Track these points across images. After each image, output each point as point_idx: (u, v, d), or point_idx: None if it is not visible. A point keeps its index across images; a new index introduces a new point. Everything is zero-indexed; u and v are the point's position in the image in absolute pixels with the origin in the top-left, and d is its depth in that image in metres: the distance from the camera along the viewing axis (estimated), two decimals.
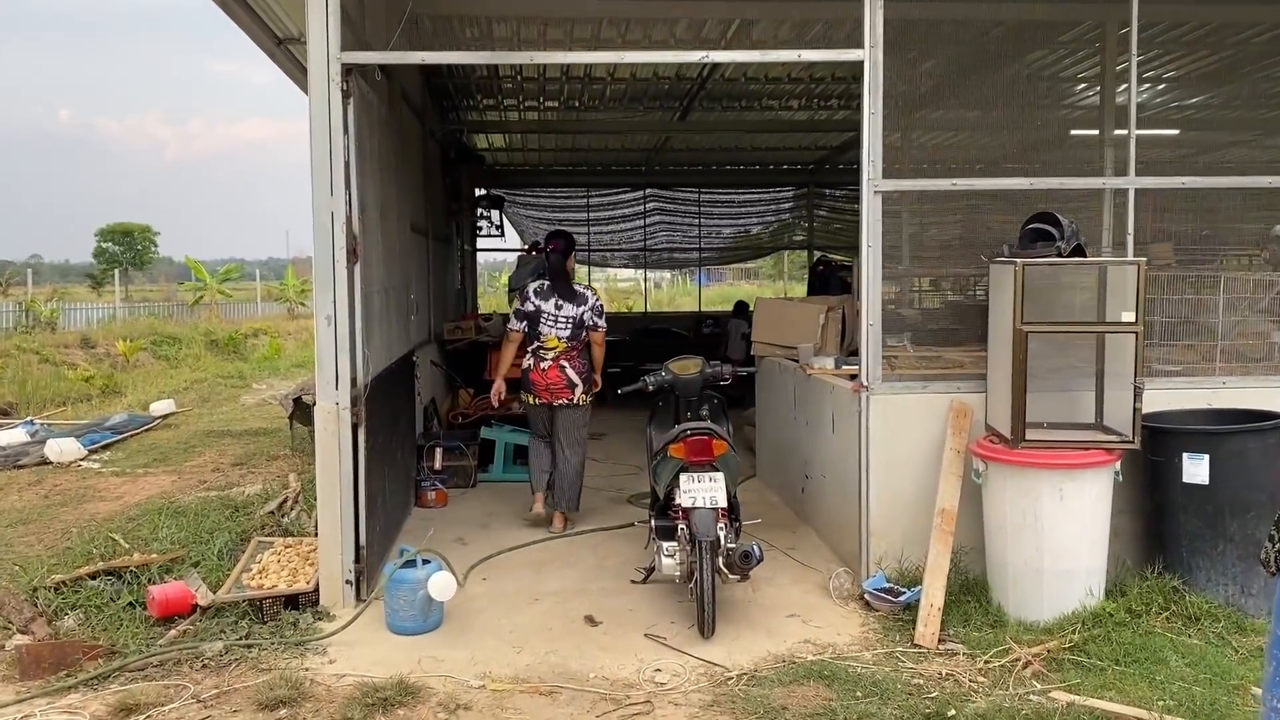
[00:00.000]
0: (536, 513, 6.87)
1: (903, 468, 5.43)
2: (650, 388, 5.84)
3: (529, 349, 6.87)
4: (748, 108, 12.08)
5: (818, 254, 15.52)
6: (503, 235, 14.59)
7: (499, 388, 7.22)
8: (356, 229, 5.25)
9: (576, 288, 6.92)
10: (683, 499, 4.86)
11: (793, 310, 7.70)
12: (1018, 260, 4.86)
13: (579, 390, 6.81)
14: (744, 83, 10.76)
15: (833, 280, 8.85)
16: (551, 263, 6.95)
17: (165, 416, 13.25)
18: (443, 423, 9.20)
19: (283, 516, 6.94)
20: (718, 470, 4.98)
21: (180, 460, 10.59)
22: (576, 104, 11.89)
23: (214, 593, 5.23)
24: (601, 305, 6.96)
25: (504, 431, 8.43)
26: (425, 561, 5.12)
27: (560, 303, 6.78)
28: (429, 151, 9.88)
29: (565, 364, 6.77)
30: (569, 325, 6.76)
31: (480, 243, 16.26)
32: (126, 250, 45.58)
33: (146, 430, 12.43)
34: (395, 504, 6.52)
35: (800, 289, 25.66)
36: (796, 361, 7.20)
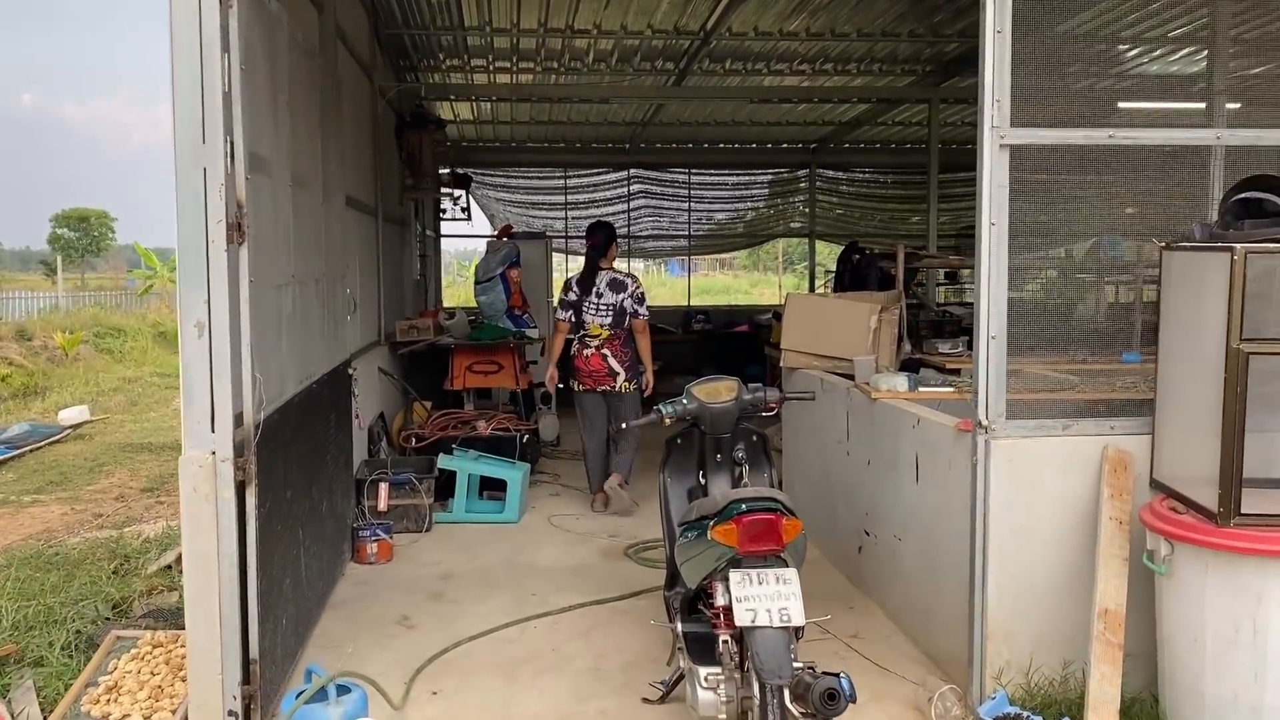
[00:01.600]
0: (598, 510, 7.04)
1: (1035, 541, 3.81)
2: (667, 420, 4.18)
3: (575, 337, 6.96)
4: (753, 71, 10.43)
5: (843, 241, 13.79)
6: (469, 219, 12.85)
7: (552, 373, 7.29)
8: (243, 194, 3.54)
9: (618, 276, 6.98)
10: (737, 610, 3.18)
11: (834, 310, 6.07)
12: (1236, 246, 3.23)
13: (620, 379, 6.89)
14: (753, 39, 9.11)
15: (871, 272, 7.25)
16: (592, 253, 7.07)
17: (76, 426, 11.46)
18: (394, 444, 7.51)
19: (180, 574, 5.24)
20: (787, 565, 3.31)
21: (81, 484, 8.86)
22: (555, 66, 10.19)
23: None
24: (643, 292, 7.00)
25: (467, 459, 6.75)
26: (343, 689, 3.45)
27: (602, 290, 6.88)
28: (379, 116, 8.17)
29: (607, 352, 6.87)
30: (610, 313, 6.86)
31: (445, 228, 14.55)
32: (83, 237, 43.40)
33: (51, 443, 10.64)
34: (316, 576, 4.83)
35: (789, 282, 24.16)
36: (842, 376, 5.59)
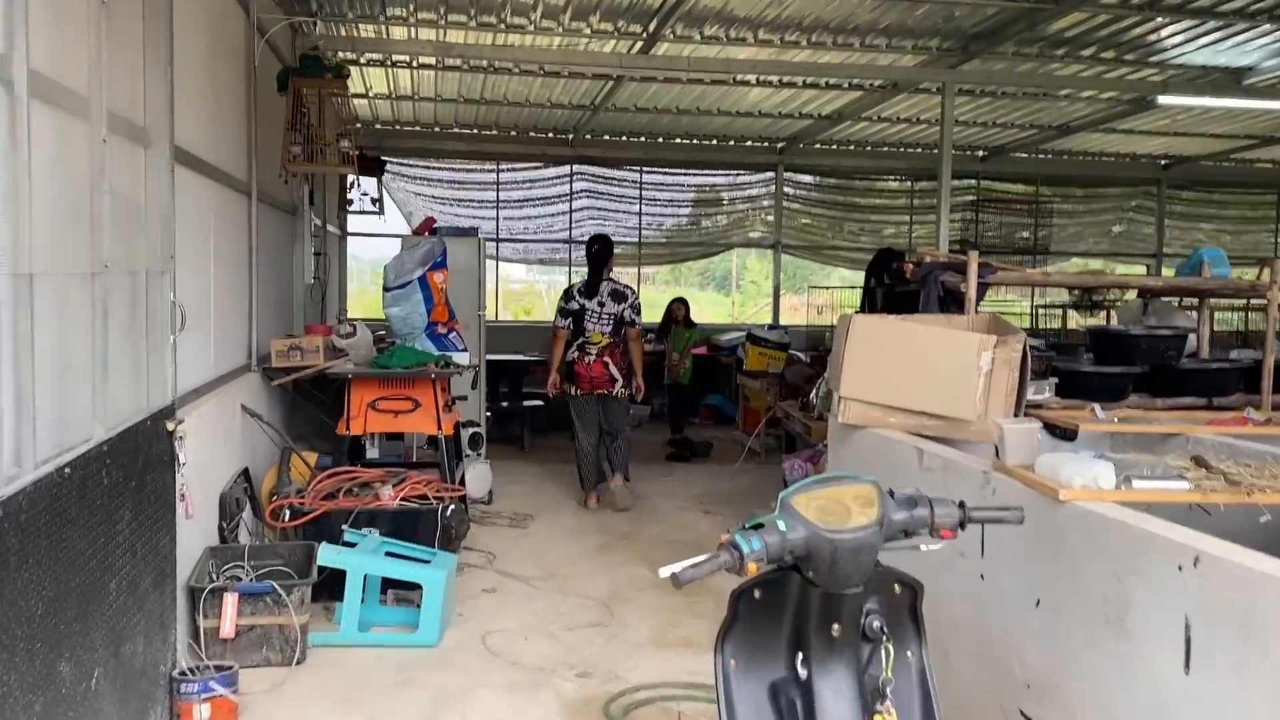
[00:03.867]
0: (592, 507, 7.24)
1: None
2: (751, 567, 2.15)
3: (575, 344, 7.21)
4: (736, 40, 8.47)
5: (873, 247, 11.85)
6: (381, 214, 10.63)
7: (554, 379, 7.48)
8: None
9: (618, 286, 7.30)
10: None
11: (925, 342, 4.08)
12: None
13: (619, 385, 7.24)
14: None
15: (931, 288, 5.30)
16: (594, 263, 7.34)
17: None
18: (263, 516, 5.29)
19: None
20: None
21: None
22: (494, 22, 8.09)
23: None
24: (639, 303, 7.36)
25: (362, 552, 4.59)
26: None
27: (604, 300, 7.18)
28: (257, 63, 5.98)
29: (608, 360, 7.18)
30: (611, 322, 7.17)
31: (353, 223, 12.27)
32: None
33: None
34: None
35: (704, 298, 22.23)
36: (931, 439, 3.62)
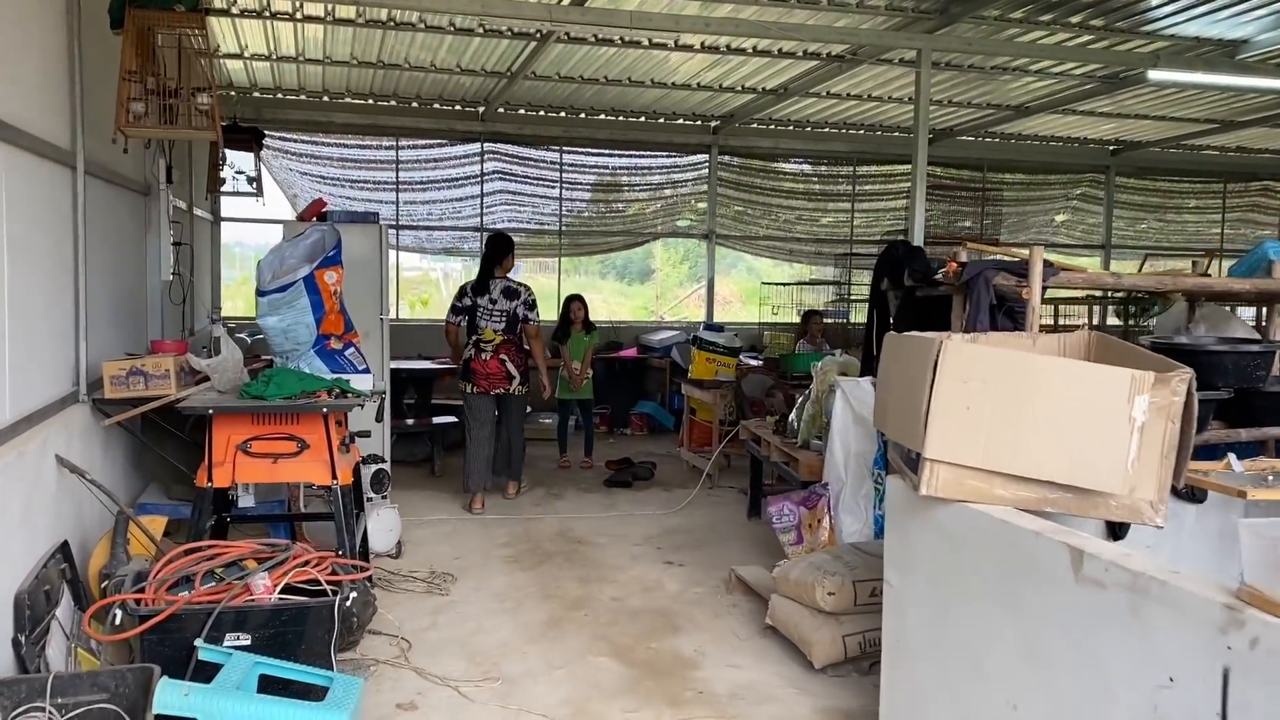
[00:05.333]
0: (477, 511, 7.05)
1: None
2: None
3: (470, 342, 7.20)
4: None
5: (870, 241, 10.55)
6: (260, 195, 9.01)
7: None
8: None
9: (511, 284, 7.25)
10: None
11: (1057, 380, 2.83)
12: None
13: (515, 382, 7.17)
14: None
15: (981, 291, 4.06)
16: (485, 261, 7.39)
17: None
18: (84, 599, 3.79)
19: None
20: None
21: None
22: None
23: None
24: (533, 299, 7.29)
25: (227, 688, 3.13)
26: None
27: (496, 297, 7.15)
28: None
29: (505, 357, 7.12)
30: (504, 319, 7.11)
31: (226, 206, 10.59)
32: None
33: None
34: None
35: (606, 288, 20.76)
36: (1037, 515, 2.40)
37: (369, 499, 5.62)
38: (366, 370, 5.01)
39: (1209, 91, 9.93)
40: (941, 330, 4.84)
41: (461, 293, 7.30)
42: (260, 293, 4.71)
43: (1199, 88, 9.48)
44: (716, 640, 4.60)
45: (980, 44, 8.09)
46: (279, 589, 3.71)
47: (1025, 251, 4.29)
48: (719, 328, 11.47)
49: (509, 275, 7.35)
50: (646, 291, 22.63)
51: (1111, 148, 13.23)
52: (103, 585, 3.99)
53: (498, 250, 7.35)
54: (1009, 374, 2.84)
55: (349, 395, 4.61)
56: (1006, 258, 4.31)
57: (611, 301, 18.16)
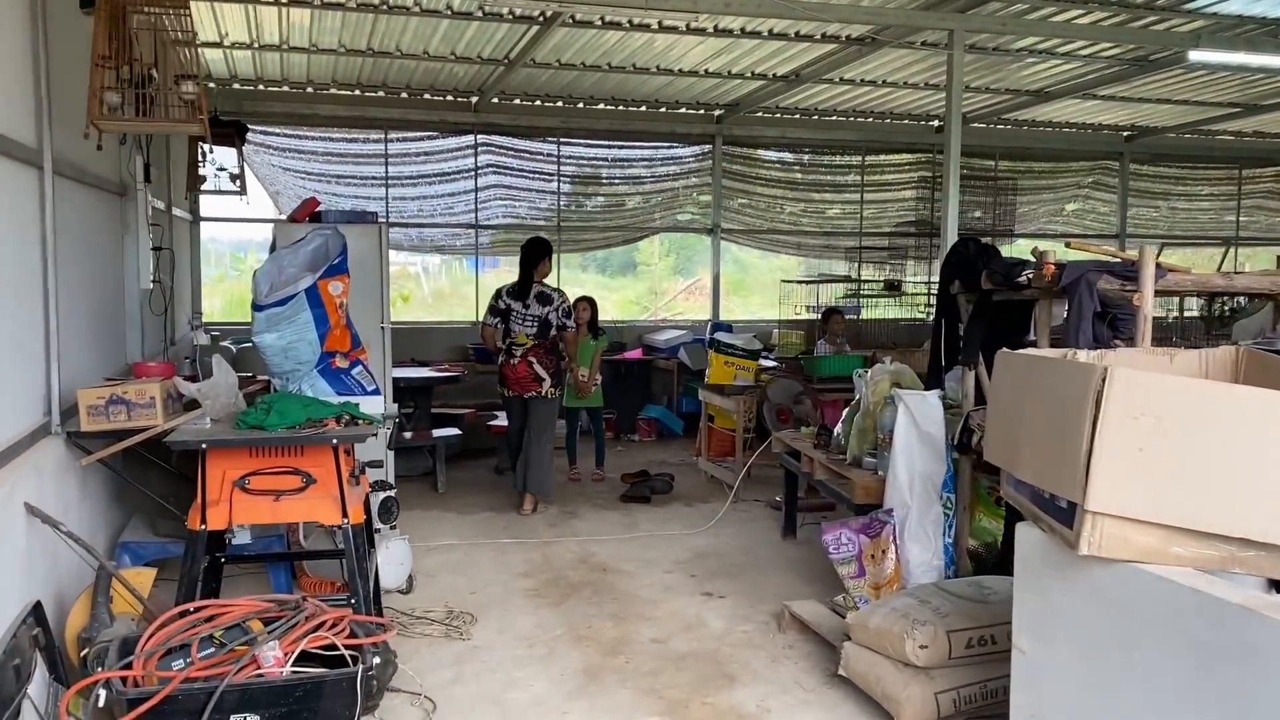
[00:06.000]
0: (526, 511, 7.11)
1: None
2: None
3: (503, 345, 7.23)
4: None
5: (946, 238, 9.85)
6: (243, 193, 8.42)
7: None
8: None
9: (546, 290, 7.21)
10: None
11: (1260, 415, 2.32)
12: None
13: (546, 384, 7.13)
14: None
15: (1084, 298, 3.56)
16: (523, 265, 7.26)
17: None
18: (66, 678, 3.23)
19: None
20: None
21: None
22: None
23: None
24: (569, 307, 7.32)
25: None
26: None
27: (529, 302, 7.14)
28: None
29: (533, 359, 7.09)
30: (535, 324, 7.11)
31: (205, 205, 10.02)
32: None
33: None
34: None
35: (588, 281, 20.13)
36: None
37: (377, 530, 5.08)
38: (376, 391, 4.47)
39: (1239, 74, 9.50)
40: (1018, 339, 4.35)
41: (497, 295, 7.29)
42: (257, 307, 4.15)
43: (1236, 69, 9.03)
44: (780, 692, 4.08)
45: (1015, 24, 7.60)
46: (291, 660, 3.17)
47: (1131, 251, 3.79)
48: (728, 327, 11.00)
49: (544, 282, 7.27)
50: (634, 286, 21.99)
51: (1126, 134, 12.79)
52: (83, 652, 3.44)
53: (535, 254, 7.26)
54: (1196, 408, 2.33)
55: (360, 421, 4.06)
56: (1107, 257, 3.81)
57: (596, 297, 17.50)
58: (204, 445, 3.78)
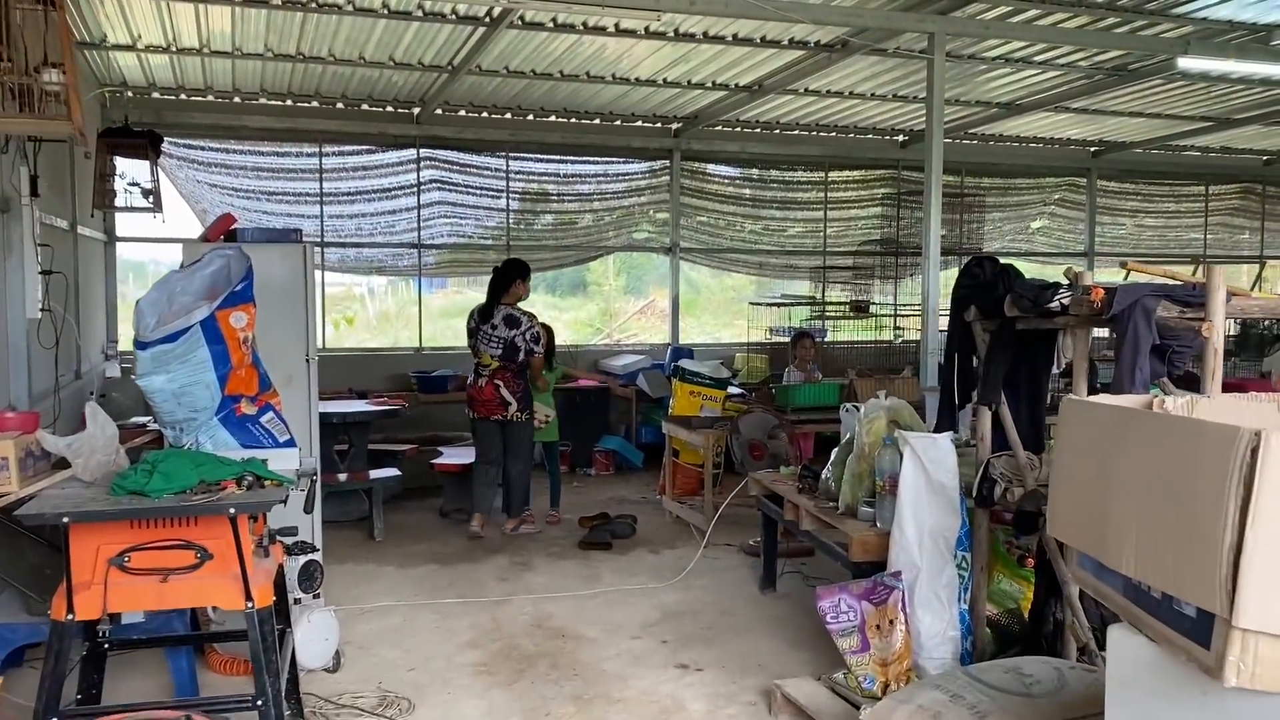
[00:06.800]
0: (474, 531, 7.06)
1: None
2: None
3: (473, 366, 7.19)
4: None
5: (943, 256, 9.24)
6: (158, 210, 7.64)
7: None
8: None
9: (513, 312, 7.03)
10: None
11: None
12: None
13: (513, 408, 7.01)
14: None
15: (1141, 327, 2.95)
16: (491, 287, 7.19)
17: None
18: None
19: None
20: None
21: None
22: None
23: None
24: (536, 332, 7.08)
25: None
26: None
27: (496, 324, 7.01)
28: None
29: (500, 383, 6.97)
30: (501, 346, 6.97)
31: (120, 225, 9.21)
32: None
33: None
34: None
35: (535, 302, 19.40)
36: None
37: (296, 601, 4.33)
38: (290, 442, 3.74)
39: (1215, 85, 9.13)
40: (1042, 373, 3.75)
41: (470, 315, 7.26)
42: (141, 344, 3.42)
43: (1216, 80, 8.66)
44: None
45: (998, 28, 7.09)
46: None
47: (1187, 272, 3.21)
48: (689, 352, 10.37)
49: (515, 305, 7.11)
50: (586, 307, 21.22)
51: (1093, 149, 12.42)
52: None
53: (506, 276, 7.15)
54: None
55: (268, 483, 3.33)
56: (1169, 279, 3.22)
57: (547, 318, 16.68)
58: (65, 519, 3.03)
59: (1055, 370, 3.93)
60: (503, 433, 7.11)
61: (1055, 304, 3.48)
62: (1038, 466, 3.72)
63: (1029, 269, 14.35)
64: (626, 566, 6.30)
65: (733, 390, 7.98)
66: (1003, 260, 3.93)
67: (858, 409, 5.22)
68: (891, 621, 3.91)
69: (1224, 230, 13.64)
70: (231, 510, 3.13)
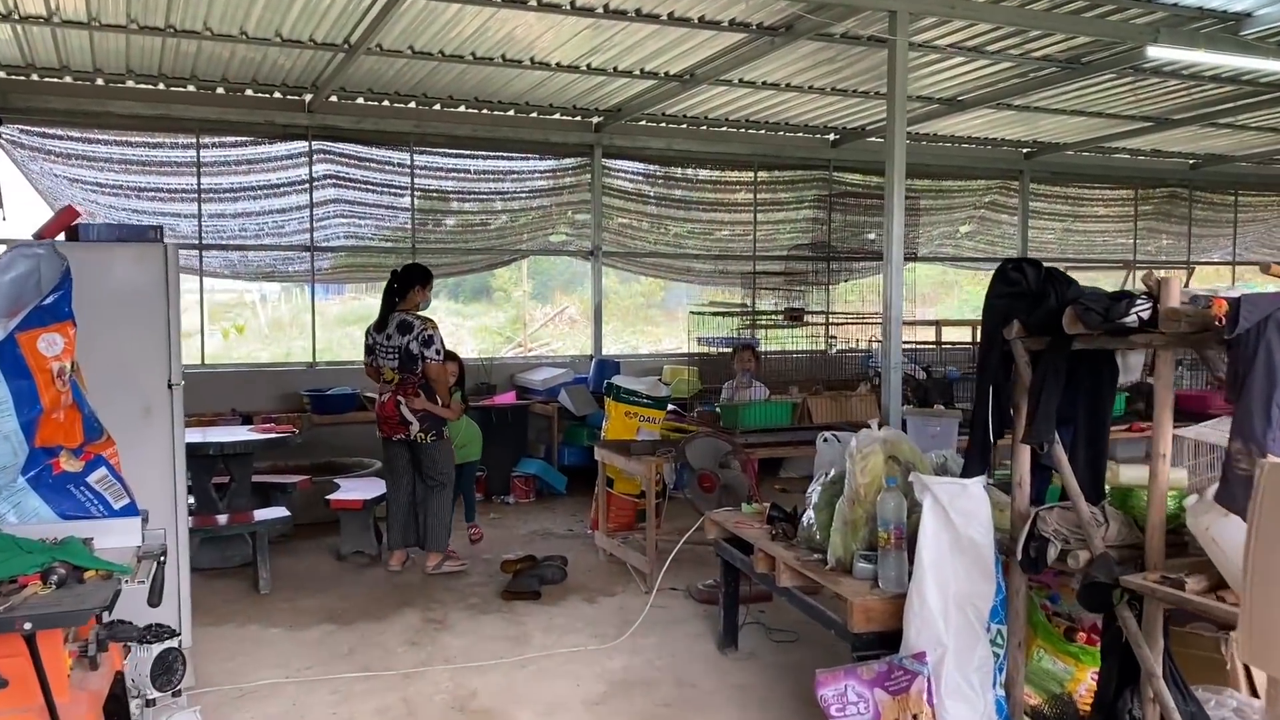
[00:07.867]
0: (393, 569, 6.45)
1: None
2: None
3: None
4: None
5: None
6: None
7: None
8: None
9: (407, 318, 6.37)
10: None
11: None
12: None
13: (414, 428, 6.33)
14: None
15: (1275, 352, 2.26)
16: (385, 295, 6.54)
17: None
18: None
19: None
20: None
21: None
22: None
23: None
24: (430, 334, 6.36)
25: None
26: None
27: (390, 332, 6.40)
28: None
29: (400, 399, 6.34)
30: (396, 356, 6.34)
31: None
32: None
33: None
34: None
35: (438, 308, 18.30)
36: None
37: (149, 704, 3.33)
38: (130, 509, 2.77)
39: (1165, 80, 8.69)
40: (1104, 404, 3.00)
41: (366, 333, 6.70)
42: None
43: (1177, 75, 8.19)
44: None
45: (964, 8, 6.42)
46: None
47: None
48: (615, 365, 9.52)
49: (411, 310, 6.43)
50: (492, 314, 20.11)
51: (1026, 150, 11.98)
52: None
53: (401, 283, 6.50)
54: None
55: (89, 575, 2.37)
56: None
57: (450, 325, 15.53)
58: None
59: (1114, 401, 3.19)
60: (411, 454, 6.44)
61: (1131, 318, 2.73)
62: (1103, 523, 2.96)
63: (961, 275, 13.76)
64: (561, 622, 5.40)
65: (674, 409, 7.15)
66: (1004, 262, 3.21)
67: (837, 439, 4.44)
68: (915, 716, 3.12)
69: (1151, 235, 13.39)
70: (27, 627, 2.16)
